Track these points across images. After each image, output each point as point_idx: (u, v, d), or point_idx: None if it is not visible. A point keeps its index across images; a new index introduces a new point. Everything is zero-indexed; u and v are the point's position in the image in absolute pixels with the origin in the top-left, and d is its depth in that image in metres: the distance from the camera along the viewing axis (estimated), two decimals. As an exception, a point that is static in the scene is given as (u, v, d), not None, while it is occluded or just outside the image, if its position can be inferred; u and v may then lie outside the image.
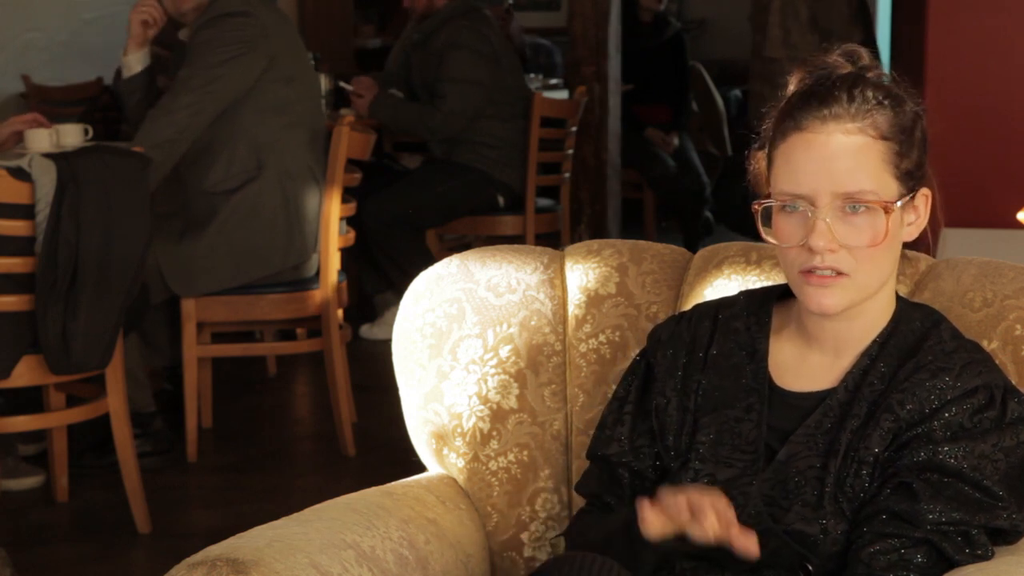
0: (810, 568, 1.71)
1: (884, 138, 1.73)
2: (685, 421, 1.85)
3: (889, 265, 1.77)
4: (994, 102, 4.43)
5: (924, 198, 1.80)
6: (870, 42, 5.92)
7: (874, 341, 1.80)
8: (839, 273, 1.73)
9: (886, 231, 1.72)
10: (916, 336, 1.79)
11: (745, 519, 1.71)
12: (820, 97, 1.74)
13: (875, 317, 1.81)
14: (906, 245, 1.85)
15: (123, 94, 4.58)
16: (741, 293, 1.94)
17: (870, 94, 1.74)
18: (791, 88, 1.81)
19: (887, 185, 1.73)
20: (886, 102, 1.75)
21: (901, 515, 1.68)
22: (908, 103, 1.77)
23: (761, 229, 1.78)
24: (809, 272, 1.73)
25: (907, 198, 1.76)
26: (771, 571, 1.72)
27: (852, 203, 1.71)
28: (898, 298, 1.85)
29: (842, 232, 1.72)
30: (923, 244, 1.87)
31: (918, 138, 1.77)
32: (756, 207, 1.78)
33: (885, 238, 1.72)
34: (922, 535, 1.67)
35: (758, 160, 1.85)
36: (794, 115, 1.75)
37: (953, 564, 1.68)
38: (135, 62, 4.51)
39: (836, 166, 1.71)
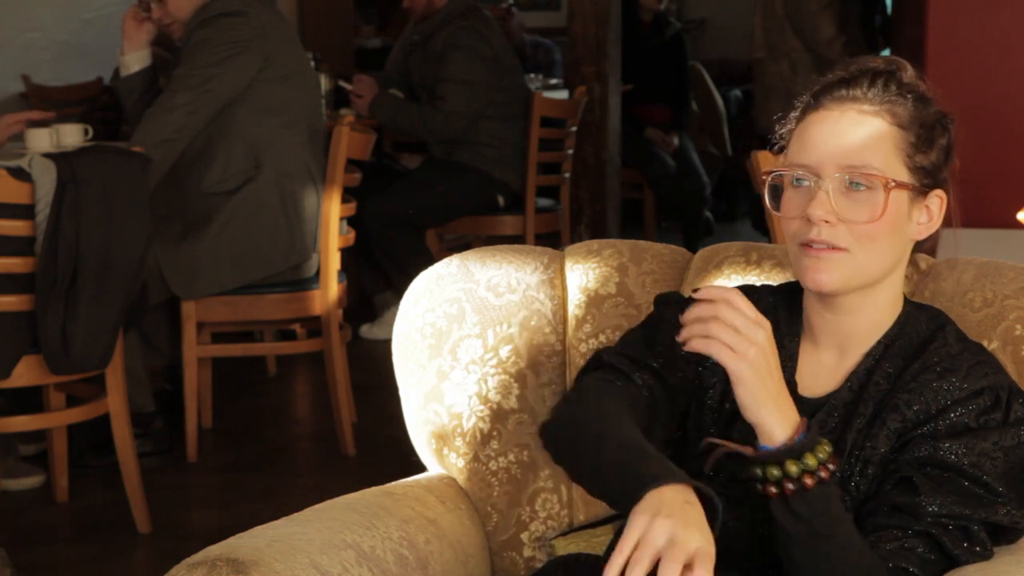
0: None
1: (900, 126, 1.75)
2: (718, 421, 1.85)
3: (891, 252, 1.77)
4: (994, 102, 4.43)
5: (939, 200, 1.79)
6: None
7: (879, 342, 1.80)
8: (836, 248, 1.73)
9: (884, 207, 1.72)
10: (921, 338, 1.79)
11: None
12: (843, 81, 1.77)
13: (880, 315, 1.80)
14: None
15: (120, 94, 4.57)
16: (764, 287, 1.94)
17: (894, 87, 1.76)
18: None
19: (895, 169, 1.74)
20: (909, 96, 1.76)
21: (902, 508, 1.68)
22: (935, 106, 1.79)
23: (768, 203, 1.80)
24: (807, 245, 1.74)
25: (918, 193, 1.76)
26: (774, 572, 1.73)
27: (855, 177, 1.72)
28: (905, 300, 1.84)
29: (842, 206, 1.72)
30: (927, 246, 1.87)
31: (939, 142, 1.78)
32: (765, 177, 1.80)
33: (883, 215, 1.72)
34: (922, 528, 1.67)
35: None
36: (817, 97, 1.78)
37: (952, 558, 1.68)
38: (133, 62, 4.50)
39: (845, 139, 1.74)
